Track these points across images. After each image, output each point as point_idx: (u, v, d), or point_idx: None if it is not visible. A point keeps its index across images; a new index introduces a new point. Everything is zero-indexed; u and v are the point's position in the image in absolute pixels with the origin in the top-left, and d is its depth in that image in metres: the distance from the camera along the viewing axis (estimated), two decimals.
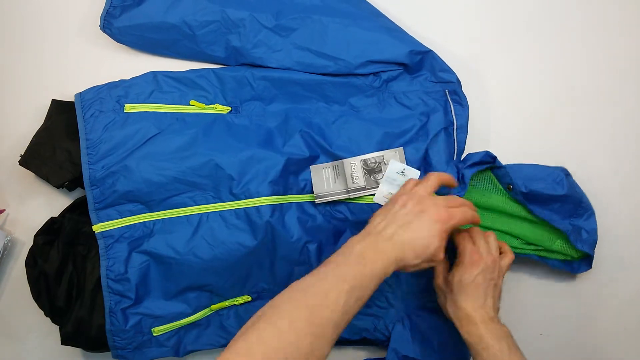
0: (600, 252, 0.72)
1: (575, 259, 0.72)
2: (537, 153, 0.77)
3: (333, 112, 0.76)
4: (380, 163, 0.71)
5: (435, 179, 0.62)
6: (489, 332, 0.61)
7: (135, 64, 0.78)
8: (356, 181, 0.70)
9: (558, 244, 0.72)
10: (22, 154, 0.72)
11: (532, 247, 0.72)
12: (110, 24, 0.76)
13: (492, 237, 0.66)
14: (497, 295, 0.65)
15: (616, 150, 0.78)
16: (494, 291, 0.64)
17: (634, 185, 0.78)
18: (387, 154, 0.71)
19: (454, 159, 0.72)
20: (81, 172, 0.70)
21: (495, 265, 0.64)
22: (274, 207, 0.69)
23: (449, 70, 0.73)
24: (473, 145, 0.74)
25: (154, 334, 0.70)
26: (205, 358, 0.76)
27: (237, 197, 0.70)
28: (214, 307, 0.72)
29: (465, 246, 0.65)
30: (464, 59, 0.79)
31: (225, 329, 0.73)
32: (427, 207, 0.58)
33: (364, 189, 0.70)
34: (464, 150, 0.72)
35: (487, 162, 0.70)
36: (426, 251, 0.57)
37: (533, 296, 0.77)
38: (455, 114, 0.72)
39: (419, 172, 0.70)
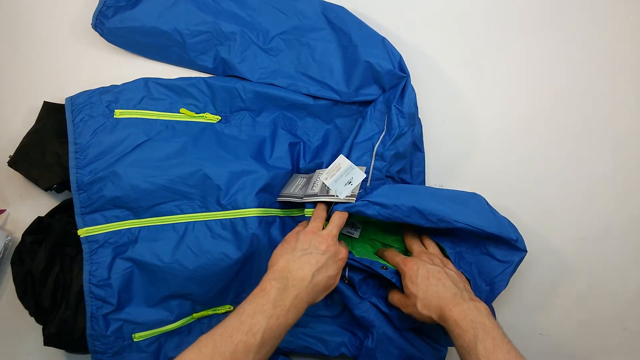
0: (600, 252, 0.74)
1: None
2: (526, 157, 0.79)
3: (318, 128, 0.77)
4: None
5: (336, 218, 0.66)
6: (462, 314, 0.59)
7: (129, 68, 0.78)
8: (314, 188, 0.70)
9: None
10: (11, 155, 0.73)
11: None
12: (102, 24, 0.75)
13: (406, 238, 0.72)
14: (458, 278, 0.65)
15: (615, 151, 0.79)
16: (447, 275, 0.64)
17: (632, 186, 0.78)
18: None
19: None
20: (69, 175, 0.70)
21: (427, 255, 0.67)
22: (260, 219, 0.70)
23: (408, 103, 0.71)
24: (468, 150, 0.77)
25: (135, 340, 0.70)
26: None
27: (224, 208, 0.70)
28: (196, 315, 0.72)
29: (395, 260, 0.68)
30: (453, 62, 0.80)
31: None
32: (330, 246, 0.63)
33: (316, 195, 0.69)
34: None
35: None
36: (331, 288, 0.63)
37: (533, 296, 0.78)
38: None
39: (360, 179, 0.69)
